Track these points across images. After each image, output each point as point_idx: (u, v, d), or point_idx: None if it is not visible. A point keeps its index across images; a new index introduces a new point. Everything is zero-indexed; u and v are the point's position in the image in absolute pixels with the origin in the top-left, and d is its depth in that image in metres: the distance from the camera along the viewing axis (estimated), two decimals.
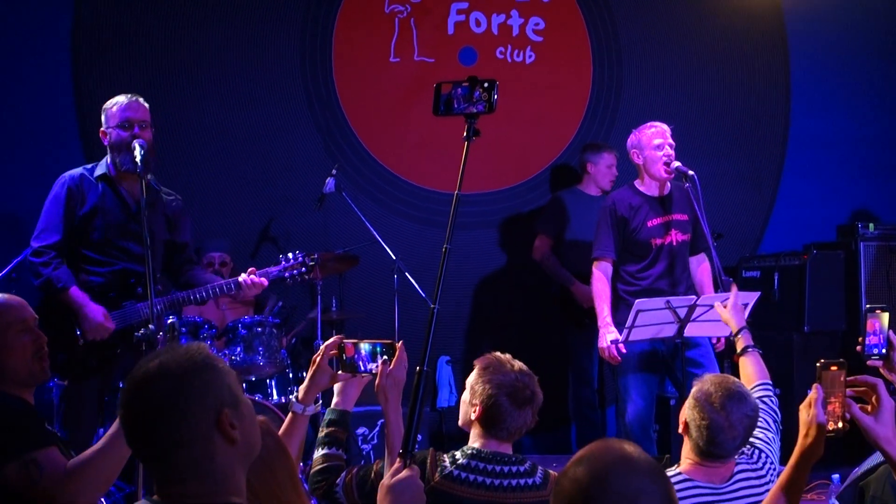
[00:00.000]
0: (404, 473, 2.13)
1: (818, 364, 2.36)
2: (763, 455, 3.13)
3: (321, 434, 2.99)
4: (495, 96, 2.69)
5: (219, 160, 6.65)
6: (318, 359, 2.87)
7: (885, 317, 2.76)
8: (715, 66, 7.47)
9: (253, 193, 6.73)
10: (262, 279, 4.48)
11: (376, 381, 2.80)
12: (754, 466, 3.07)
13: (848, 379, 2.37)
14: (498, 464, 2.86)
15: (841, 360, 2.38)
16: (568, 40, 7.28)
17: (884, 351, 2.75)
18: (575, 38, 7.28)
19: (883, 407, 2.33)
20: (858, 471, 3.69)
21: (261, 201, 6.75)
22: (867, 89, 7.66)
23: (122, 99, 4.46)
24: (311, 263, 4.62)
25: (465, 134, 2.70)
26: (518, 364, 2.98)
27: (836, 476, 5.29)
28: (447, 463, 2.88)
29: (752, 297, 4.63)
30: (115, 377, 4.53)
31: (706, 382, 3.01)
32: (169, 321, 2.90)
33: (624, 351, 5.04)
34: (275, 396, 5.88)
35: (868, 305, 2.81)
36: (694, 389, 3.02)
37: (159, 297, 4.41)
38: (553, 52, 7.23)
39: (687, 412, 3.00)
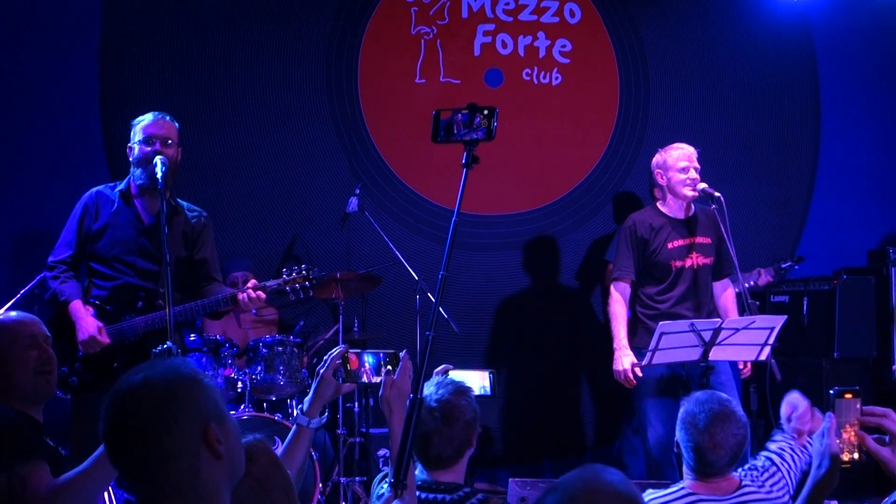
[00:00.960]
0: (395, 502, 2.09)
1: (831, 392, 2.29)
2: (782, 480, 3.10)
3: None
4: (495, 123, 2.71)
5: (243, 180, 6.66)
6: (322, 371, 2.84)
7: None
8: (744, 89, 7.40)
9: (276, 213, 6.73)
10: (260, 293, 4.44)
11: (380, 392, 2.77)
12: (761, 483, 3.05)
13: (863, 408, 2.30)
14: (431, 492, 2.85)
15: (856, 387, 2.31)
16: (595, 62, 7.24)
17: None
18: (602, 60, 7.24)
19: None
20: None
21: (284, 221, 6.74)
22: None
23: (149, 116, 4.55)
24: (314, 277, 4.56)
25: (463, 160, 2.71)
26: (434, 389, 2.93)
27: None
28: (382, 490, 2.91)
29: (779, 322, 4.56)
30: None
31: (691, 403, 3.01)
32: (165, 346, 2.87)
33: (640, 375, 4.97)
34: (295, 415, 5.85)
35: None
36: (681, 410, 3.02)
37: (157, 312, 4.41)
38: (580, 73, 7.20)
39: (677, 433, 3.01)
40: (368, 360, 2.85)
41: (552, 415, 6.95)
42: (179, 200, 4.70)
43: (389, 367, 2.80)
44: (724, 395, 3.08)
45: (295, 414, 2.91)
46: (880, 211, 7.46)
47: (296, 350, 5.70)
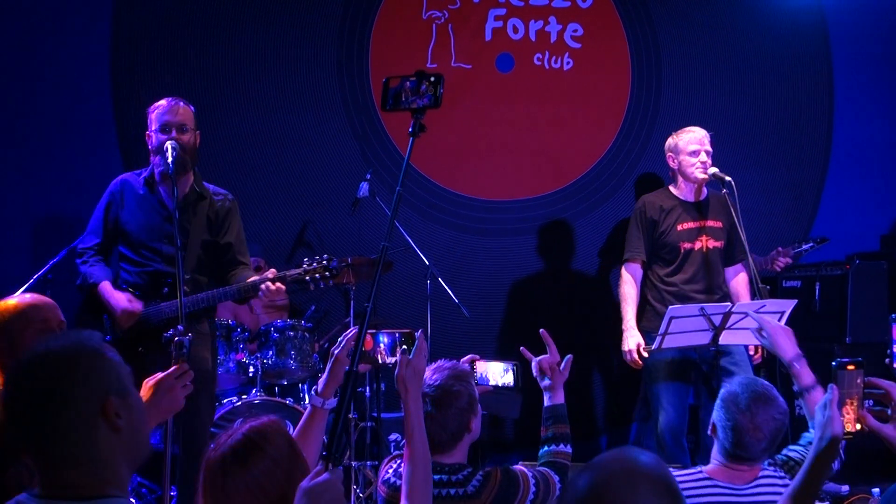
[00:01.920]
0: (324, 476, 2.07)
1: (833, 364, 2.28)
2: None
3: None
4: (441, 90, 2.67)
5: (254, 165, 6.67)
6: (336, 351, 2.84)
7: None
8: (756, 72, 7.36)
9: (288, 199, 6.74)
10: (280, 285, 4.44)
11: (395, 372, 2.76)
12: (782, 475, 3.01)
13: (867, 379, 2.28)
14: (435, 473, 2.86)
15: (859, 359, 2.29)
16: (606, 47, 7.21)
17: None
18: (614, 45, 7.22)
19: None
20: None
21: (296, 206, 6.75)
22: None
23: (163, 102, 4.57)
24: (334, 268, 4.56)
25: (410, 129, 2.68)
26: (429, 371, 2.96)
27: (876, 490, 5.18)
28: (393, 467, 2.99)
29: (789, 306, 4.55)
30: (140, 377, 4.54)
31: (734, 384, 2.97)
32: (176, 339, 2.88)
33: (646, 355, 4.97)
34: (306, 401, 5.88)
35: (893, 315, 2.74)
36: (722, 391, 2.99)
37: (185, 297, 4.43)
38: (591, 58, 7.18)
39: (714, 413, 2.97)
40: (383, 340, 2.85)
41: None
42: (206, 184, 4.72)
43: (405, 346, 2.79)
44: (766, 382, 3.05)
45: (307, 398, 2.92)
46: (893, 196, 7.42)
47: (307, 335, 5.72)
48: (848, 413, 2.26)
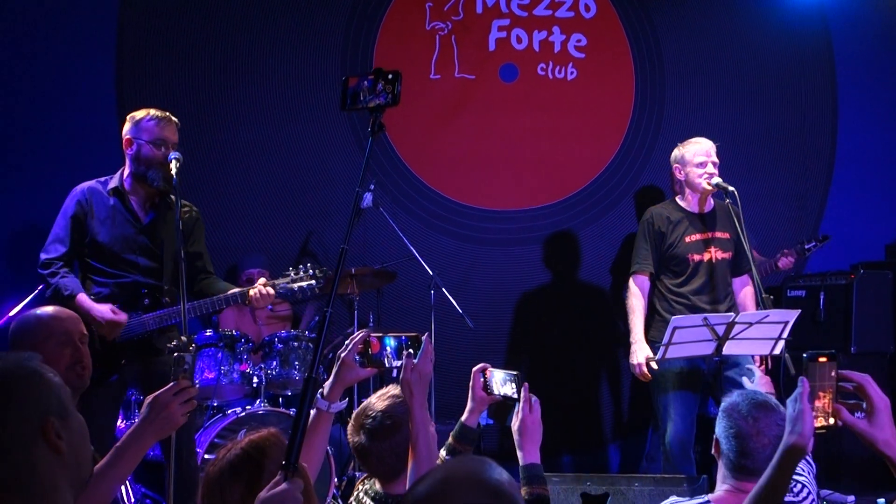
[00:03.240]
0: (282, 487, 2.05)
1: (805, 355, 2.21)
2: (805, 489, 3.03)
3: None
4: (398, 87, 2.61)
5: (257, 174, 6.69)
6: (343, 354, 2.81)
7: None
8: (760, 81, 7.35)
9: (291, 208, 6.75)
10: (269, 289, 4.44)
11: (401, 375, 2.72)
12: (793, 499, 2.96)
13: (840, 372, 2.20)
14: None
15: (831, 351, 2.22)
16: (610, 57, 7.22)
17: None
18: (617, 55, 7.22)
19: (877, 408, 2.15)
20: None
21: (299, 216, 6.76)
22: None
23: (156, 113, 4.51)
24: (321, 276, 4.56)
25: (369, 128, 2.63)
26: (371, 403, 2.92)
27: (881, 501, 5.16)
28: (359, 495, 2.95)
29: (792, 316, 4.53)
30: (122, 390, 4.57)
31: (734, 395, 2.94)
32: (175, 355, 2.87)
33: (655, 368, 4.97)
34: (315, 400, 5.87)
35: None
36: (722, 403, 2.95)
37: (166, 309, 4.43)
38: (595, 68, 7.18)
39: (717, 427, 2.91)
40: (390, 343, 2.82)
41: (571, 409, 6.93)
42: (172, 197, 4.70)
43: (411, 350, 2.76)
44: (765, 392, 3.03)
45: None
46: None
47: (311, 345, 5.72)
48: (821, 407, 2.18)
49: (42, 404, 1.78)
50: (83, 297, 4.38)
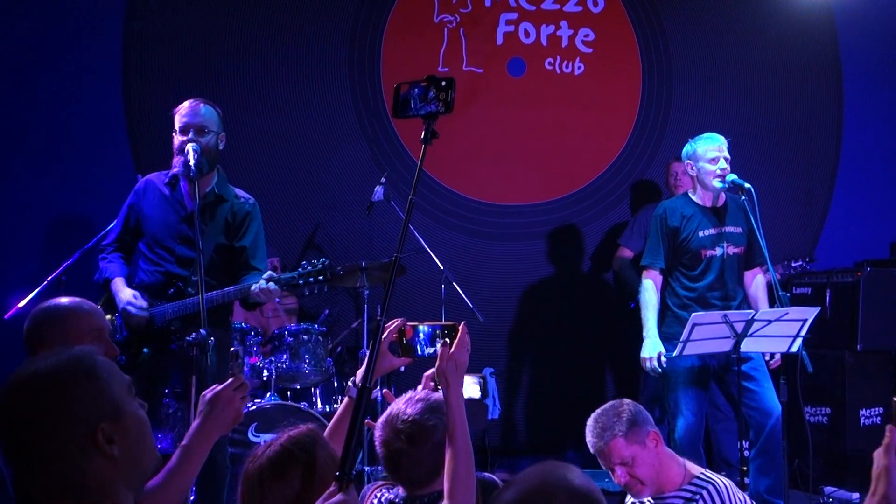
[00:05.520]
0: (338, 498, 2.01)
1: (894, 399, 2.00)
2: None
3: None
4: (452, 95, 2.57)
5: (265, 167, 6.65)
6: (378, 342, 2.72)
7: None
8: (766, 78, 7.37)
9: (299, 201, 6.72)
10: (272, 285, 4.40)
11: (436, 364, 2.63)
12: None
13: None
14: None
15: None
16: (618, 52, 7.22)
17: None
18: (625, 50, 7.22)
19: None
20: None
21: (307, 209, 6.73)
22: None
23: (186, 104, 4.51)
24: (329, 273, 4.51)
25: (422, 135, 2.59)
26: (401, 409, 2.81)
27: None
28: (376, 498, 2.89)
29: (812, 313, 4.54)
30: (146, 379, 4.51)
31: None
32: (232, 350, 2.80)
33: (665, 364, 4.97)
34: (319, 405, 5.86)
35: None
36: None
37: (185, 300, 4.41)
38: (603, 63, 7.18)
39: None
40: (424, 331, 2.76)
41: (576, 405, 6.90)
42: (231, 187, 4.67)
43: (447, 339, 2.68)
44: None
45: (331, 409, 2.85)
46: None
47: (321, 339, 5.69)
48: None
49: (94, 409, 1.72)
50: (117, 282, 4.47)
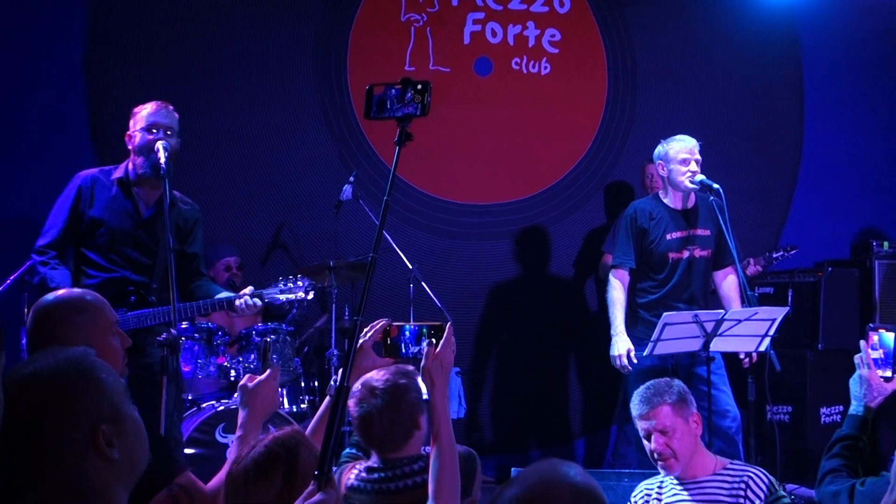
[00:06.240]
0: (317, 497, 2.01)
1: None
2: None
3: None
4: (429, 98, 2.58)
5: (230, 166, 6.59)
6: (361, 341, 2.72)
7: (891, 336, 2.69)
8: (729, 80, 7.44)
9: (264, 200, 6.67)
10: (256, 300, 4.36)
11: (422, 364, 2.65)
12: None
13: None
14: (389, 469, 2.86)
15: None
16: (584, 52, 7.25)
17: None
18: (591, 50, 7.25)
19: None
20: None
21: (272, 209, 6.68)
22: (881, 106, 7.66)
23: (151, 105, 4.41)
24: (310, 291, 4.49)
25: (396, 137, 2.58)
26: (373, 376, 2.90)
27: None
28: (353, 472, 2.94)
29: (781, 313, 4.59)
30: None
31: None
32: (263, 340, 2.77)
33: (635, 361, 4.99)
34: (286, 405, 5.81)
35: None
36: None
37: (149, 309, 4.32)
38: (569, 63, 7.20)
39: None
40: (409, 330, 2.76)
41: (541, 404, 6.97)
42: (175, 192, 4.59)
43: (433, 339, 2.69)
44: None
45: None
46: (862, 204, 7.54)
47: (288, 338, 5.66)
48: None
49: (93, 411, 1.70)
50: None
